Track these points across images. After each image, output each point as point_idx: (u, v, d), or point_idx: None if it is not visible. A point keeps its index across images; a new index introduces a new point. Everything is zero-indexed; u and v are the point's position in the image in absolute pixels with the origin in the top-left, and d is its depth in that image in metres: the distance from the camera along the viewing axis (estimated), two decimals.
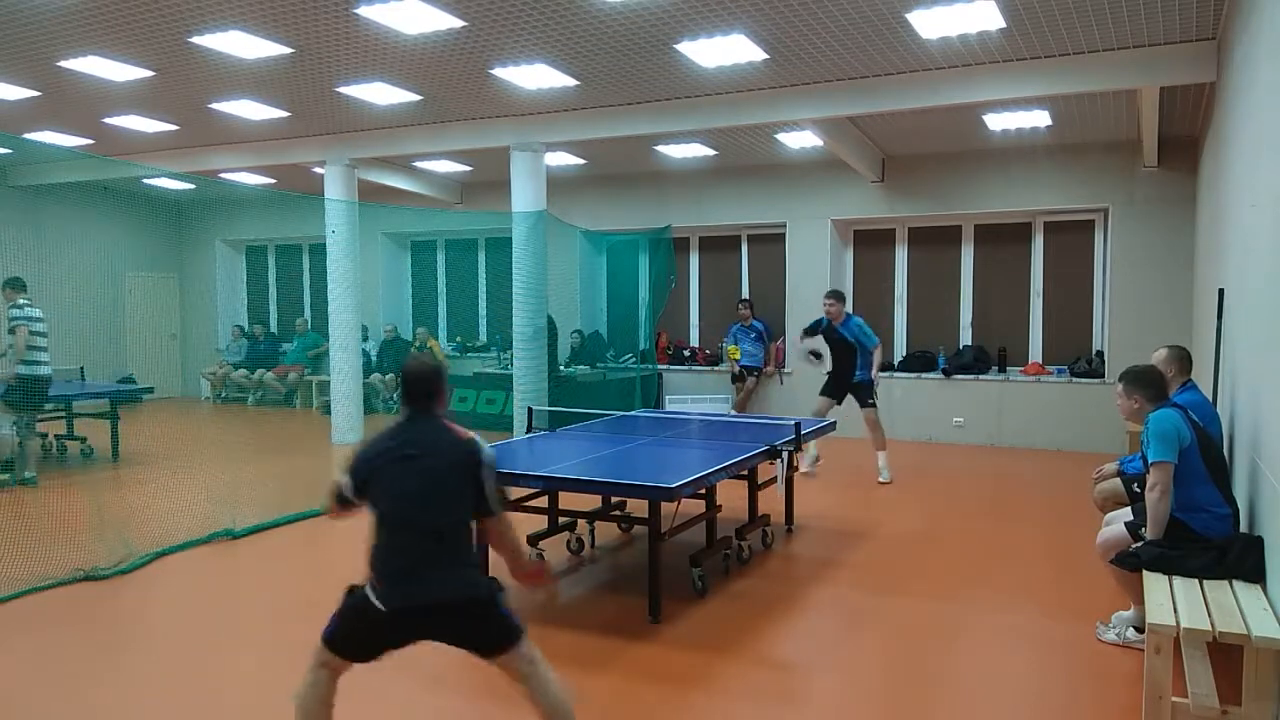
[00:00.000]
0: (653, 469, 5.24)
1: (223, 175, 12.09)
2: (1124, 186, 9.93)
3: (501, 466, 4.91)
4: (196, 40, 6.85)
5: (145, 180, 13.17)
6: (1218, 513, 3.99)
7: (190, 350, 15.80)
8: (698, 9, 6.14)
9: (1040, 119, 8.92)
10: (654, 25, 6.48)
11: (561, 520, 5.81)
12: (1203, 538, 3.93)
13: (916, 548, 6.24)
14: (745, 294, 12.19)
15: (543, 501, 5.61)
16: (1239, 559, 3.78)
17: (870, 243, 11.76)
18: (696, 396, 11.65)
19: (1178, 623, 3.30)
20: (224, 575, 5.75)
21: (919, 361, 11.09)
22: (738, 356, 11.24)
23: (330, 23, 6.46)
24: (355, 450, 3.09)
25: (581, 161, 11.70)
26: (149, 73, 7.77)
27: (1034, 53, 7.07)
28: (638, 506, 5.31)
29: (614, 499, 5.98)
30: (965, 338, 11.23)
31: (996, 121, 9.02)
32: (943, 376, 10.82)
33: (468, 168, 12.33)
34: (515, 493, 5.33)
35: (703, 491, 5.28)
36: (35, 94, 8.53)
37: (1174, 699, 3.26)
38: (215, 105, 8.99)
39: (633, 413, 8.00)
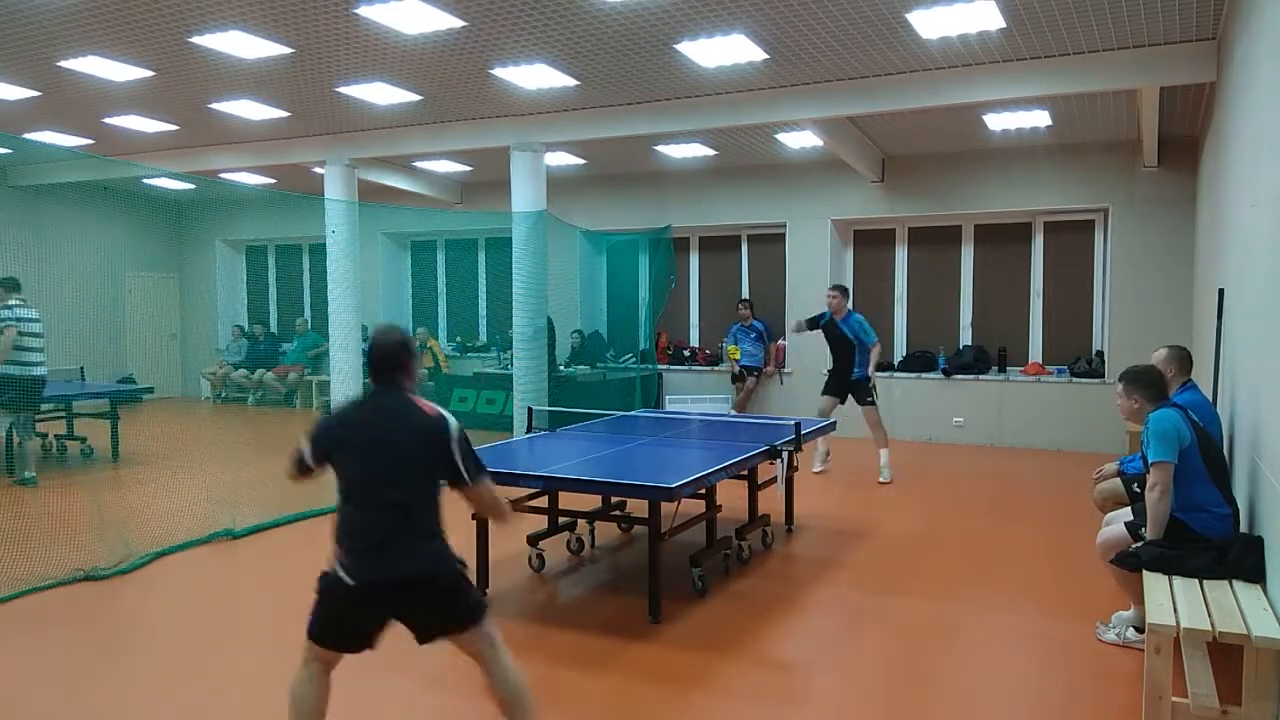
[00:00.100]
0: (653, 469, 5.24)
1: (223, 175, 12.09)
2: (1124, 186, 9.93)
3: (501, 466, 4.94)
4: (196, 40, 6.85)
5: (145, 180, 13.17)
6: (1218, 513, 3.99)
7: (190, 350, 15.80)
8: (698, 9, 6.14)
9: (1040, 119, 8.93)
10: (654, 25, 6.48)
11: (561, 520, 5.80)
12: (1203, 538, 3.93)
13: (916, 548, 6.24)
14: (745, 294, 12.19)
15: (543, 501, 5.61)
16: (1239, 559, 3.78)
17: (870, 243, 11.76)
18: (696, 396, 11.65)
19: (1178, 623, 3.30)
20: (224, 575, 5.75)
21: (919, 361, 11.09)
22: (738, 356, 11.23)
23: (330, 23, 6.46)
24: (319, 418, 3.08)
25: (581, 161, 11.70)
26: (149, 73, 7.77)
27: (1034, 53, 7.07)
28: (638, 506, 5.31)
29: (614, 499, 5.97)
30: (965, 338, 11.23)
31: (996, 121, 9.02)
32: (943, 376, 10.82)
33: (468, 168, 12.33)
34: (515, 493, 5.34)
35: (703, 491, 5.28)
36: (35, 94, 8.53)
37: (1174, 699, 3.26)
38: (215, 105, 8.99)
39: (633, 413, 8.00)
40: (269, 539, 6.48)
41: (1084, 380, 10.19)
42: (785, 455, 5.77)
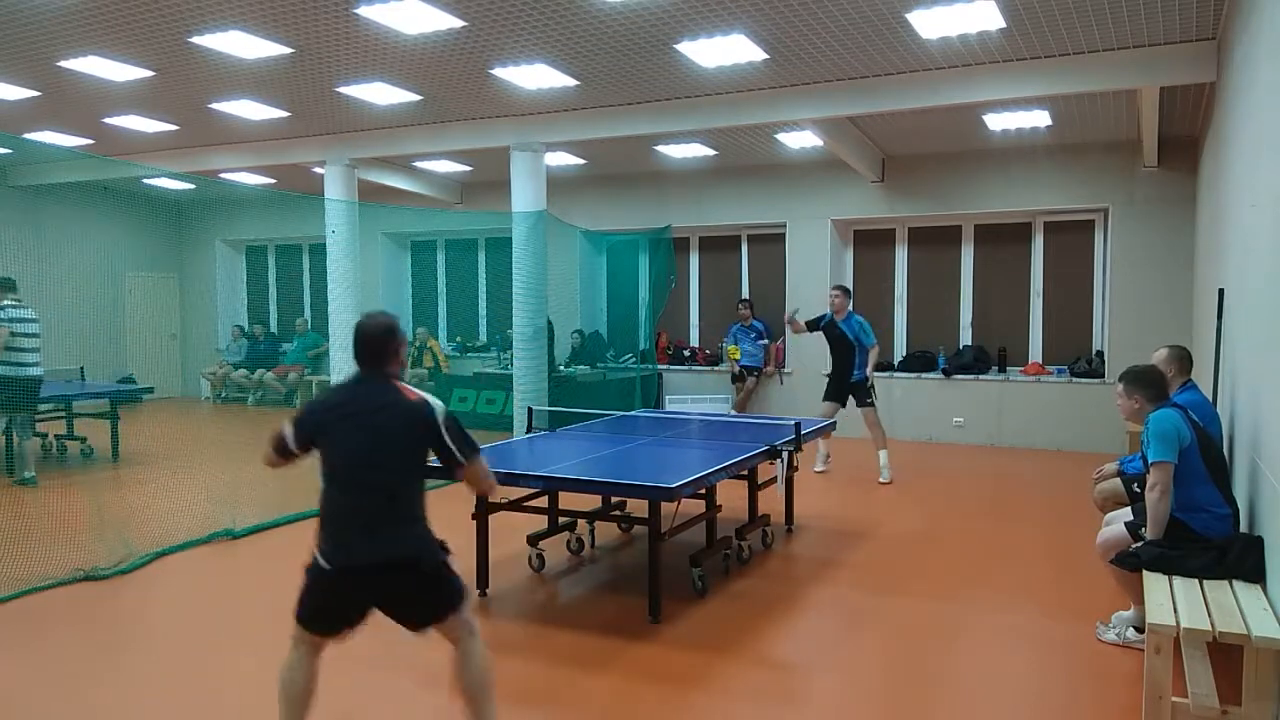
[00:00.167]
0: (653, 469, 5.24)
1: (223, 175, 12.09)
2: (1124, 186, 9.93)
3: (502, 466, 4.94)
4: (196, 40, 6.85)
5: (145, 180, 13.17)
6: (1218, 513, 3.99)
7: (190, 350, 15.80)
8: (698, 9, 6.14)
9: (1040, 119, 8.92)
10: (654, 25, 6.48)
11: (561, 520, 5.80)
12: (1203, 538, 3.93)
13: (916, 548, 6.24)
14: (745, 294, 12.19)
15: (543, 501, 5.61)
16: (1239, 559, 3.78)
17: (870, 243, 11.76)
18: (696, 396, 11.65)
19: (1178, 623, 3.30)
20: (224, 575, 5.75)
21: (919, 361, 11.09)
22: (738, 356, 11.24)
23: (330, 23, 6.46)
24: (303, 404, 3.08)
25: (581, 161, 11.70)
26: (149, 73, 7.77)
27: (1034, 53, 7.07)
28: (638, 506, 5.31)
29: (614, 499, 5.97)
30: (965, 338, 11.23)
31: (996, 121, 9.02)
32: (943, 376, 10.82)
33: (468, 168, 12.33)
34: (515, 493, 5.34)
35: (703, 491, 5.27)
36: (35, 94, 8.53)
37: (1174, 699, 3.26)
38: (215, 105, 8.99)
39: (633, 413, 8.00)
40: (269, 539, 6.48)
41: (1084, 380, 10.19)
42: (785, 455, 5.77)
